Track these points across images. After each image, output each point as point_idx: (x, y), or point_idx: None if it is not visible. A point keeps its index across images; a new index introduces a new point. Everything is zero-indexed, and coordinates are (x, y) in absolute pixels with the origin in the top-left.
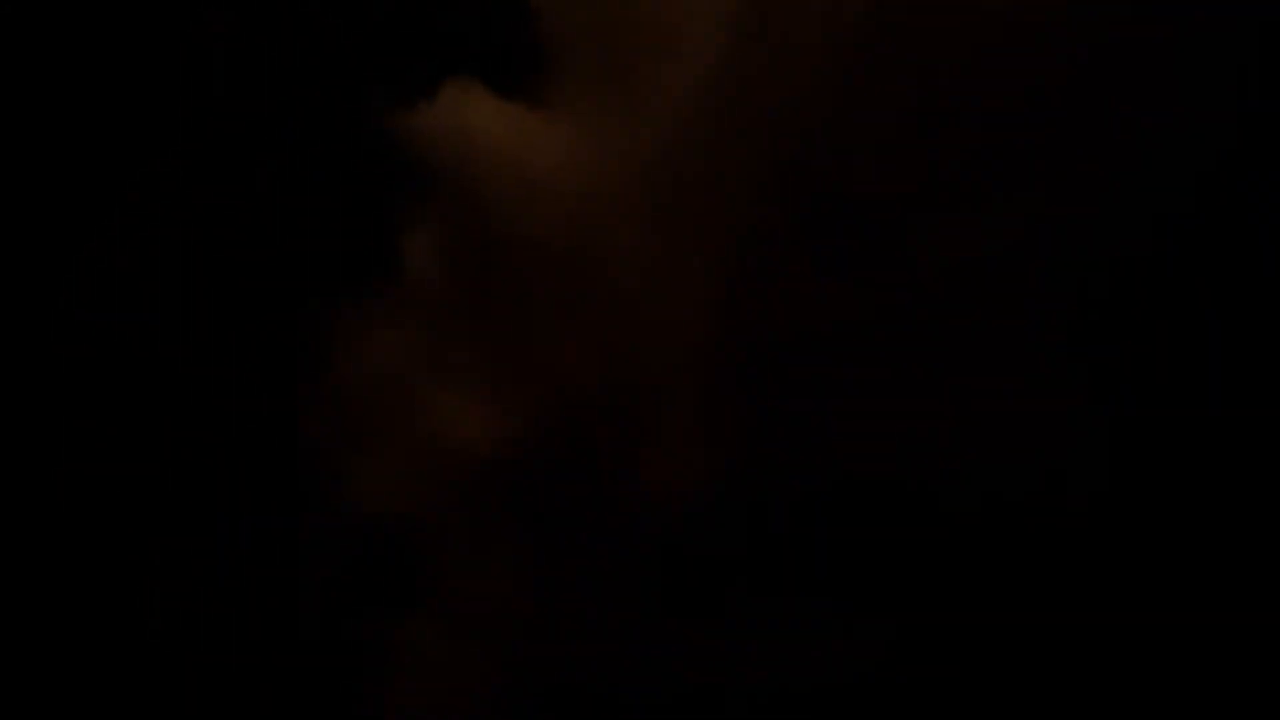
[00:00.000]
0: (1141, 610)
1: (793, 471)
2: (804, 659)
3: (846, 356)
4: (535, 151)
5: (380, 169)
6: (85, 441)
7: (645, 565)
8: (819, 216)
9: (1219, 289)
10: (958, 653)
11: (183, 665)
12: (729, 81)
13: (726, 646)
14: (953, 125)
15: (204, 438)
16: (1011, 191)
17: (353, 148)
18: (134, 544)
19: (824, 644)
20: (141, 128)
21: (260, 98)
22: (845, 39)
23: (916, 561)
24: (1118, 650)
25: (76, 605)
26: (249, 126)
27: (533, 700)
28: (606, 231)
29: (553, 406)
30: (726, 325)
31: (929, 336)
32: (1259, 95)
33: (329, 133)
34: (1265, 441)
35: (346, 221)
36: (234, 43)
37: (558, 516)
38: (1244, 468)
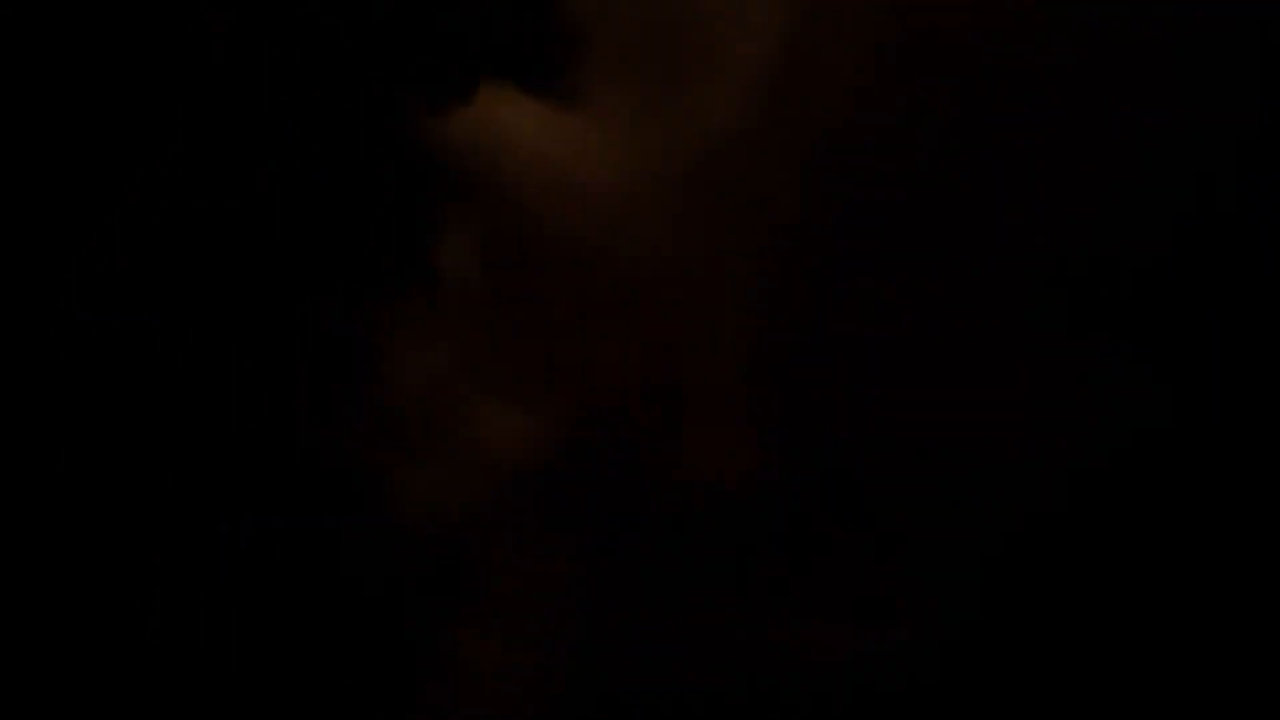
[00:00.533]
0: (1155, 614)
1: (839, 469)
2: (859, 656)
3: (890, 355)
4: (573, 155)
5: (416, 175)
6: (91, 445)
7: (693, 563)
8: (862, 219)
9: (1233, 282)
10: (995, 646)
11: (230, 674)
12: (775, 88)
13: (778, 644)
14: (997, 131)
15: (238, 445)
16: (1057, 192)
17: (386, 153)
18: (166, 551)
19: (878, 639)
20: (142, 127)
21: (281, 101)
22: (890, 47)
23: (957, 555)
24: (1129, 652)
25: (91, 612)
26: (269, 133)
27: (587, 702)
28: (646, 234)
29: (594, 409)
30: (768, 326)
31: (976, 335)
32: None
33: (359, 138)
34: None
35: (383, 229)
36: (253, 43)
37: (604, 518)
38: (1250, 467)
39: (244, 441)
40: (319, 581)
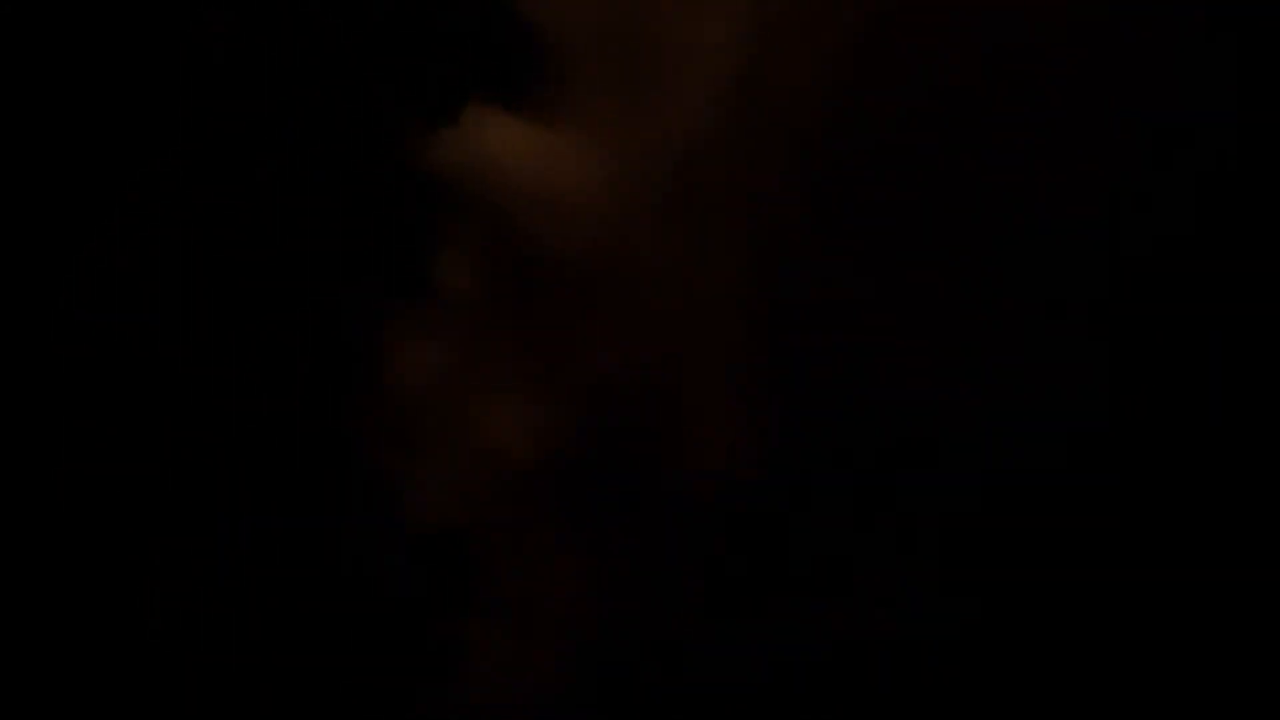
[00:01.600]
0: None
1: (839, 455)
2: (870, 639)
3: (883, 342)
4: (558, 168)
5: (412, 189)
6: (91, 445)
7: (701, 554)
8: (844, 213)
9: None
10: (1003, 618)
11: (234, 676)
12: (748, 83)
13: (789, 633)
14: (975, 123)
15: (243, 446)
16: (1037, 183)
17: (384, 167)
18: (168, 552)
19: (890, 621)
20: (142, 127)
21: (282, 105)
22: (860, 41)
23: (960, 534)
24: (1117, 644)
25: (91, 614)
26: (271, 138)
27: (601, 695)
28: (635, 238)
29: (596, 407)
30: (760, 322)
31: (963, 323)
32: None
33: (356, 151)
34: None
35: (383, 237)
36: (241, 46)
37: (609, 514)
38: (1225, 456)
39: (248, 442)
40: (326, 582)
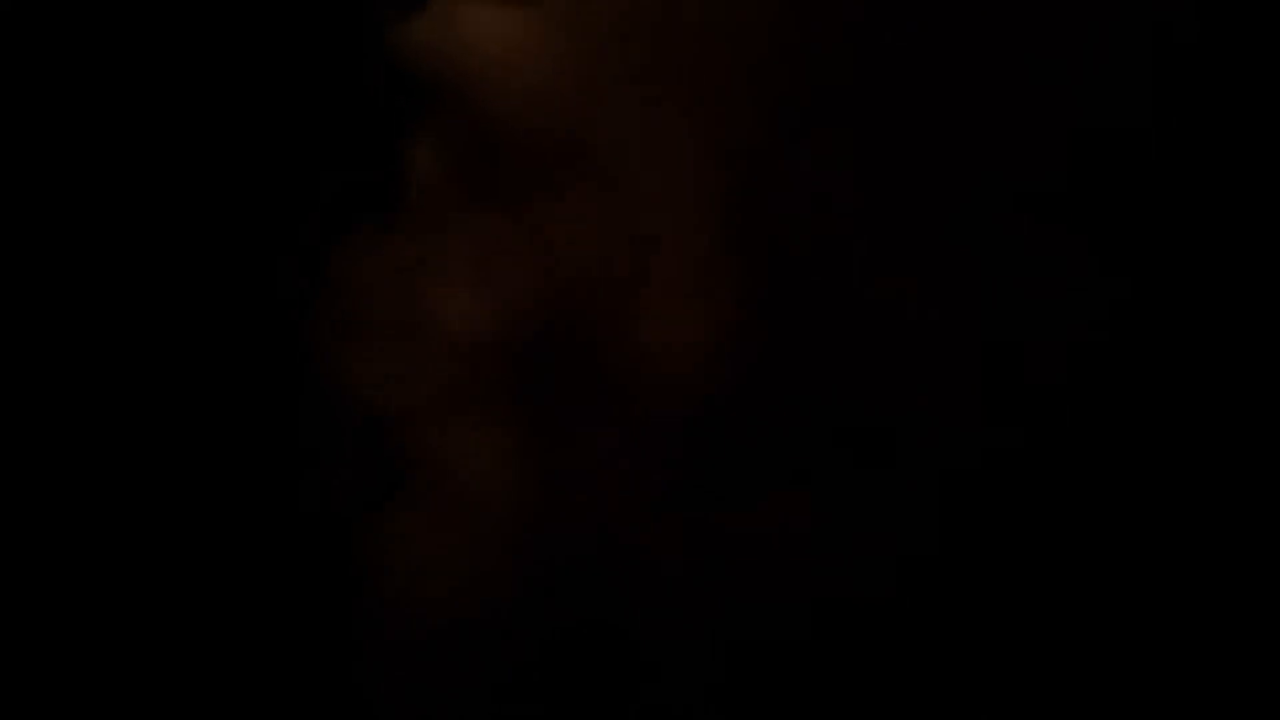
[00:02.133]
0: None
1: (800, 357)
2: (811, 555)
3: (847, 244)
4: (529, 53)
5: (376, 77)
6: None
7: (648, 452)
8: (814, 105)
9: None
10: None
11: (175, 565)
12: None
13: (732, 538)
14: (952, 21)
15: (198, 334)
16: (1015, 80)
17: (344, 52)
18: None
19: (831, 540)
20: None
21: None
22: None
23: (916, 455)
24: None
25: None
26: (238, 34)
27: (532, 589)
28: (602, 123)
29: (554, 295)
30: (729, 212)
31: (935, 223)
32: None
33: (321, 40)
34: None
35: (340, 127)
36: None
37: (561, 405)
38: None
39: (195, 334)
40: (268, 471)
